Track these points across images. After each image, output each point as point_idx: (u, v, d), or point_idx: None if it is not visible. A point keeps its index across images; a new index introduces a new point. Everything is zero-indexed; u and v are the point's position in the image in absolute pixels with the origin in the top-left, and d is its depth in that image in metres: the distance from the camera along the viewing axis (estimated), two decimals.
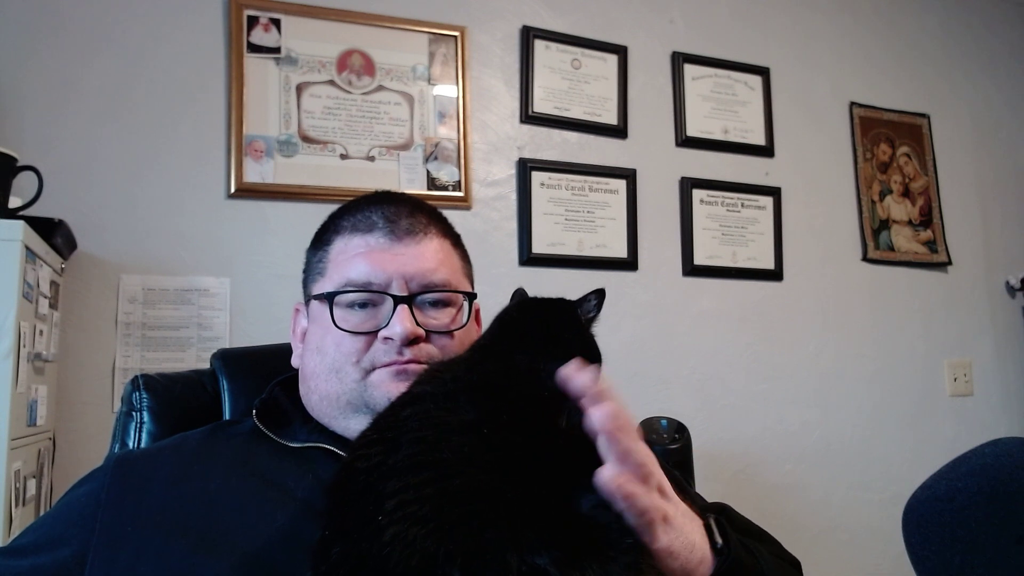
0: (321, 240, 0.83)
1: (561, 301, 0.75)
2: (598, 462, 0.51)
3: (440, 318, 0.79)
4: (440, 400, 0.55)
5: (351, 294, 0.76)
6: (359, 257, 0.77)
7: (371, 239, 0.78)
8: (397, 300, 0.75)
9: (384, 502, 0.47)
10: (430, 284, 0.77)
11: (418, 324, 0.75)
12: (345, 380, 0.75)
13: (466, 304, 0.82)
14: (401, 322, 0.74)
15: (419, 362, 0.74)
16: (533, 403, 0.56)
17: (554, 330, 0.70)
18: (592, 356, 0.73)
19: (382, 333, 0.75)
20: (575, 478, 0.51)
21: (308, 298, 0.83)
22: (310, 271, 0.84)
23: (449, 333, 0.78)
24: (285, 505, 0.68)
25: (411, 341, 0.74)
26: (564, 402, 0.55)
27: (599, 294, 0.74)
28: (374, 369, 0.75)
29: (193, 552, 0.64)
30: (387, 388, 0.72)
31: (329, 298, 0.76)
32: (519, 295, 0.81)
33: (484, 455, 0.49)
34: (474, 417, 0.53)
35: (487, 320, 0.76)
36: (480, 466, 0.49)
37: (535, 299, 0.77)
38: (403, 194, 0.86)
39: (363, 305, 0.76)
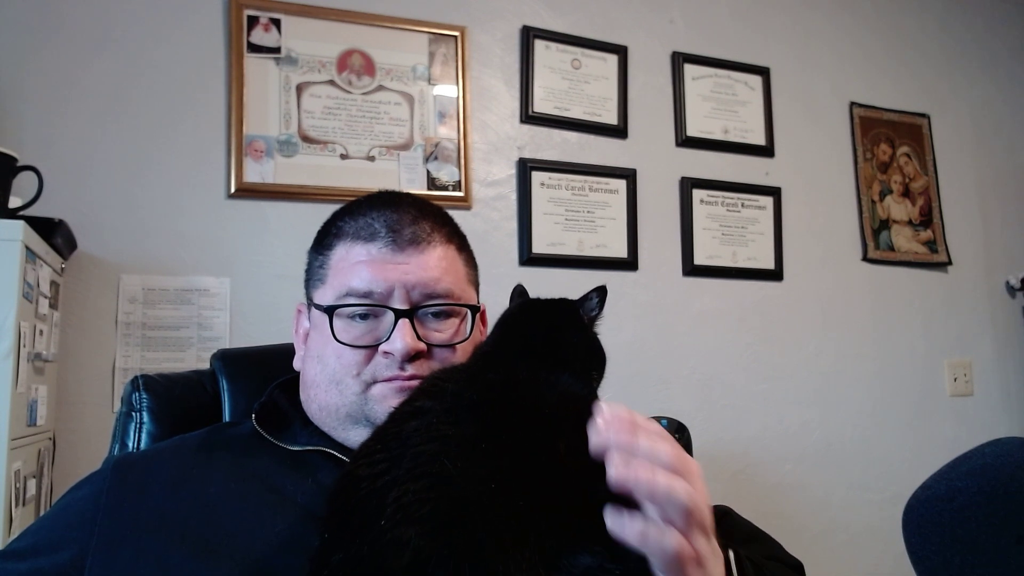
0: (323, 243, 0.82)
1: (563, 302, 0.75)
2: (595, 492, 0.49)
3: (443, 330, 0.77)
4: (442, 415, 0.55)
5: (351, 308, 0.75)
6: (360, 265, 0.76)
7: (373, 248, 0.76)
8: (398, 314, 0.74)
9: (386, 508, 0.48)
10: (433, 294, 0.76)
11: (420, 338, 0.74)
12: (345, 392, 0.75)
13: (470, 314, 0.80)
14: (402, 337, 0.73)
15: (420, 379, 0.73)
16: (533, 420, 0.56)
17: (557, 333, 0.70)
18: (597, 357, 0.72)
19: (383, 347, 0.74)
20: (573, 513, 0.50)
21: (310, 301, 0.82)
22: (311, 275, 0.83)
23: (451, 347, 0.77)
24: (285, 510, 0.68)
25: (412, 356, 0.73)
26: (564, 422, 0.55)
27: (600, 292, 0.74)
28: (375, 383, 0.74)
29: (192, 557, 0.63)
30: (389, 403, 0.71)
31: (329, 311, 0.75)
32: (519, 293, 0.81)
33: (483, 469, 0.50)
34: (474, 433, 0.53)
35: (491, 320, 0.76)
36: (478, 479, 0.49)
37: (537, 301, 0.77)
38: (407, 196, 0.84)
39: (364, 316, 0.75)
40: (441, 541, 0.45)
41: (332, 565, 0.48)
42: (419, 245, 0.77)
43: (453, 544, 0.45)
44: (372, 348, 0.74)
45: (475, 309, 0.81)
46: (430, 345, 0.75)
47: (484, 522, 0.46)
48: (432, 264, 0.77)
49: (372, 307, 0.75)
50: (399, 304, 0.75)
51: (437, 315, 0.77)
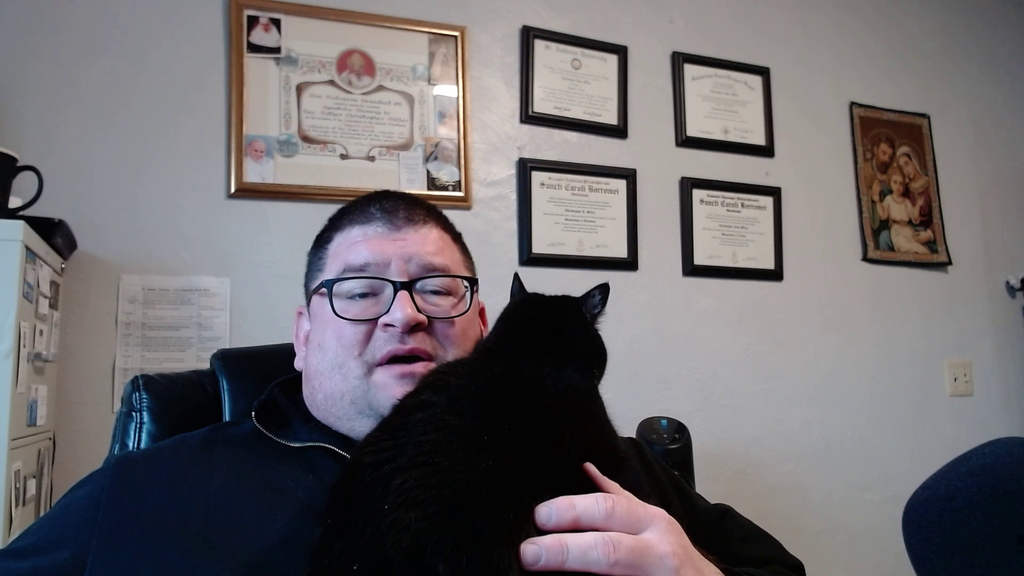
0: (321, 240, 0.84)
1: (565, 299, 0.75)
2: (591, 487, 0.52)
3: (441, 304, 0.78)
4: (446, 406, 0.56)
5: (350, 282, 0.76)
6: (358, 244, 0.78)
7: (369, 229, 0.79)
8: (397, 287, 0.74)
9: (389, 495, 0.48)
10: (430, 266, 0.77)
11: (419, 311, 0.74)
12: (348, 376, 0.75)
13: (467, 294, 0.81)
14: (402, 308, 0.73)
15: (421, 353, 0.74)
16: (536, 412, 0.56)
17: (559, 330, 0.70)
18: (599, 354, 0.73)
19: (383, 320, 0.74)
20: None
21: (309, 297, 0.83)
22: (310, 270, 0.84)
23: (450, 320, 0.77)
24: (285, 506, 0.68)
25: (413, 328, 0.73)
26: (567, 414, 0.55)
27: (603, 289, 0.74)
28: (377, 366, 0.74)
29: (193, 555, 0.63)
30: (391, 392, 0.71)
31: (328, 286, 0.76)
32: (517, 283, 0.81)
33: (485, 460, 0.50)
34: (477, 424, 0.53)
35: (492, 317, 0.76)
36: (480, 468, 0.49)
37: (540, 297, 0.77)
38: (401, 192, 0.86)
39: (363, 295, 0.76)
40: (441, 526, 0.45)
41: (334, 553, 0.49)
42: (415, 224, 0.80)
43: (453, 530, 0.45)
44: (372, 323, 0.75)
45: (473, 281, 0.82)
46: (430, 318, 0.76)
47: (485, 511, 0.47)
48: (429, 240, 0.79)
49: (371, 280, 0.76)
50: (397, 277, 0.75)
51: (435, 292, 0.78)
